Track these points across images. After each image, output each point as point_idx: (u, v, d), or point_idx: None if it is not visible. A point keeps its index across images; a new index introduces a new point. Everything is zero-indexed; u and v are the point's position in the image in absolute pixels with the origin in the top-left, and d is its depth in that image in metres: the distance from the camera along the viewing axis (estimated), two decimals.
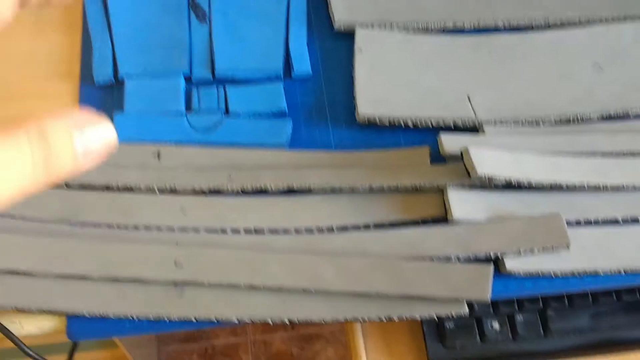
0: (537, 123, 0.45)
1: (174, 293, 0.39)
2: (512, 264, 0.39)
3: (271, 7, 0.50)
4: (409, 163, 0.43)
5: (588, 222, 0.42)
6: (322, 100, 0.48)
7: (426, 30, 0.50)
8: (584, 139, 0.44)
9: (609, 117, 0.46)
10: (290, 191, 0.42)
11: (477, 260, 0.39)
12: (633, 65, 0.48)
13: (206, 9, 0.50)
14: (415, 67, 0.48)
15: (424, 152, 0.44)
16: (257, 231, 0.41)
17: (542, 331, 0.44)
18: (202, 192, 0.42)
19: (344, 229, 0.41)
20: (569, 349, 0.44)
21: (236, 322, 0.38)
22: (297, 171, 0.43)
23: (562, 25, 0.50)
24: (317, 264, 0.39)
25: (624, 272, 0.40)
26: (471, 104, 0.46)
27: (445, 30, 0.50)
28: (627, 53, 0.49)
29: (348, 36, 0.49)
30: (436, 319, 0.41)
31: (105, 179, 0.42)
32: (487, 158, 0.40)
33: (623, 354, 0.45)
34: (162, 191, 0.42)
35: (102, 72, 0.46)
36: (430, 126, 0.45)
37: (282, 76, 0.48)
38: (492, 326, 0.44)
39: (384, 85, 0.47)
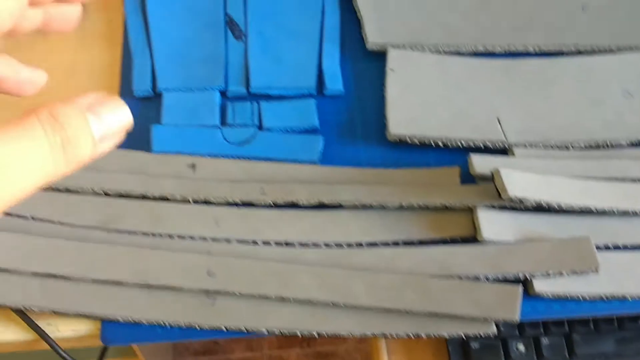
0: (567, 147, 0.46)
1: (206, 302, 0.39)
2: (540, 286, 0.40)
3: (305, 27, 0.52)
4: (440, 182, 0.44)
5: (617, 247, 0.42)
6: (353, 118, 0.49)
7: (457, 53, 0.51)
8: (614, 164, 0.44)
9: (638, 144, 0.46)
10: (321, 206, 0.43)
11: (506, 280, 0.40)
12: None
13: (243, 27, 0.51)
14: (447, 88, 0.49)
15: (455, 171, 0.44)
16: (288, 244, 0.42)
17: (567, 355, 0.44)
18: (235, 204, 0.43)
19: (373, 245, 0.42)
20: None
21: (265, 333, 0.39)
22: (329, 186, 0.43)
23: (592, 51, 0.51)
24: (346, 278, 0.39)
25: None
26: (501, 126, 0.46)
27: (476, 53, 0.51)
28: None
29: (380, 56, 0.51)
30: (463, 338, 0.41)
31: (143, 188, 0.43)
32: (517, 180, 0.40)
33: None
34: (196, 202, 0.43)
35: (141, 85, 0.48)
36: (460, 147, 0.46)
37: (315, 93, 0.49)
38: (517, 348, 0.44)
39: (415, 105, 0.48)
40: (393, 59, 0.49)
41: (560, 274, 0.40)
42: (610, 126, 0.47)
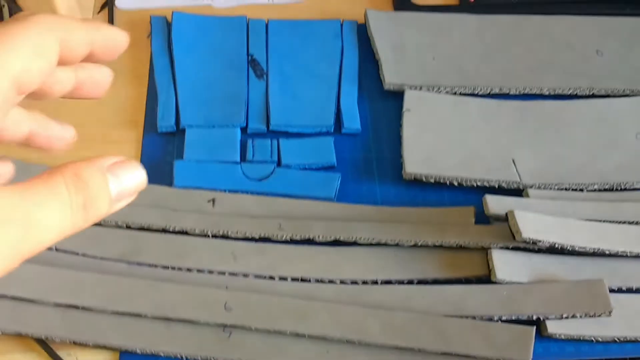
0: (581, 189, 0.46)
1: (222, 335, 0.40)
2: (553, 327, 0.40)
3: (324, 67, 0.53)
4: (454, 221, 0.44)
5: (630, 290, 0.42)
6: (370, 156, 0.50)
7: (473, 94, 0.52)
8: (628, 206, 0.45)
9: None
10: (337, 242, 0.44)
11: (519, 321, 0.40)
12: None
13: (264, 66, 0.53)
14: (462, 129, 0.50)
15: (469, 211, 0.45)
16: (304, 280, 0.42)
17: None
18: (253, 239, 0.44)
19: (388, 282, 0.42)
20: None
21: None
22: (345, 223, 0.44)
23: (606, 95, 0.52)
24: (361, 316, 0.40)
25: None
26: (516, 168, 0.47)
27: (491, 95, 0.52)
28: None
29: (397, 96, 0.52)
30: None
31: (163, 222, 0.44)
32: (532, 221, 0.41)
33: None
34: (215, 236, 0.44)
35: (165, 121, 0.49)
36: (475, 187, 0.47)
37: (332, 131, 0.50)
38: None
39: (430, 144, 0.49)
40: (409, 99, 0.51)
41: (574, 316, 0.40)
42: (624, 168, 0.48)
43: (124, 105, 0.51)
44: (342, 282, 0.42)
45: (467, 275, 0.42)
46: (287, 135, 0.50)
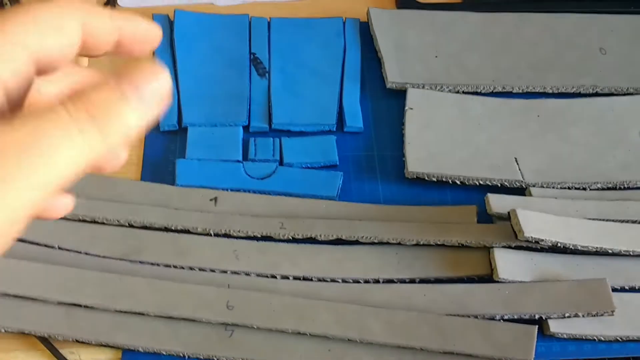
0: (584, 188, 0.46)
1: (224, 334, 0.40)
2: (556, 327, 0.40)
3: (327, 65, 0.53)
4: (456, 220, 0.44)
5: (633, 289, 0.42)
6: (372, 155, 0.50)
7: (476, 93, 0.51)
8: (631, 205, 0.45)
9: None
10: (339, 241, 0.44)
11: (521, 320, 0.40)
12: None
13: (266, 65, 0.53)
14: (465, 127, 0.49)
15: (472, 210, 0.45)
16: (306, 278, 0.43)
17: None
18: (255, 238, 0.44)
19: (390, 281, 0.42)
20: None
21: None
22: (347, 222, 0.44)
23: (610, 93, 0.51)
24: (363, 315, 0.40)
25: None
26: (519, 166, 0.47)
27: (494, 93, 0.52)
28: None
29: (399, 94, 0.52)
30: None
31: (166, 221, 0.44)
32: (534, 220, 0.41)
33: None
34: (217, 235, 0.44)
35: (167, 120, 0.49)
36: (478, 185, 0.47)
37: (335, 130, 0.50)
38: None
39: (433, 143, 0.48)
40: (412, 98, 0.51)
41: (576, 315, 0.40)
42: (627, 167, 0.47)
43: None
44: (344, 280, 0.42)
45: (469, 274, 0.42)
46: (289, 133, 0.50)
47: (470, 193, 0.47)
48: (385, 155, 0.50)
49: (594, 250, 0.41)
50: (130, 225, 0.44)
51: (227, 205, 0.46)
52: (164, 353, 0.40)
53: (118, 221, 0.44)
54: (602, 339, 0.40)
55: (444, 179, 0.47)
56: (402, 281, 0.42)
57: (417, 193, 0.47)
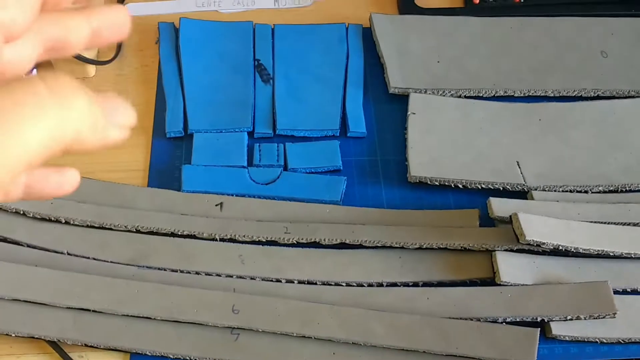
0: (586, 191, 0.47)
1: (229, 338, 0.41)
2: (558, 329, 0.40)
3: (330, 71, 0.54)
4: (459, 224, 0.45)
5: (635, 291, 0.42)
6: (375, 160, 0.50)
7: (478, 97, 0.52)
8: (632, 208, 0.45)
9: None
10: (342, 245, 0.44)
11: (524, 323, 0.40)
12: None
13: (270, 71, 0.53)
14: (467, 132, 0.50)
15: (474, 214, 0.45)
16: (310, 282, 0.43)
17: None
18: (260, 243, 0.45)
19: (393, 285, 0.43)
20: None
21: None
22: (350, 226, 0.45)
23: (611, 96, 0.52)
24: (367, 318, 0.40)
25: None
26: (520, 170, 0.47)
27: (496, 97, 0.52)
28: None
29: (402, 99, 0.52)
30: None
31: (172, 226, 0.45)
32: (536, 224, 0.41)
33: None
34: (223, 240, 0.45)
35: (173, 127, 0.50)
36: (480, 189, 0.47)
37: (338, 135, 0.51)
38: None
39: (435, 147, 0.49)
40: (414, 102, 0.51)
41: (578, 318, 0.40)
42: (629, 170, 0.48)
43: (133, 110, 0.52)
44: (347, 284, 0.43)
45: (472, 277, 0.43)
46: (293, 139, 0.50)
47: (473, 197, 0.47)
48: (388, 159, 0.50)
49: (596, 253, 0.42)
50: (137, 231, 0.45)
51: (232, 211, 0.46)
52: (171, 356, 0.40)
53: (125, 227, 0.45)
54: (604, 341, 0.41)
55: (446, 183, 0.47)
56: (406, 285, 0.43)
57: (419, 197, 0.48)
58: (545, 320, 0.40)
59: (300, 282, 0.43)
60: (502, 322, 0.40)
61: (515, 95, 0.52)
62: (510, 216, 0.42)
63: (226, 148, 0.49)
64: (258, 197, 0.47)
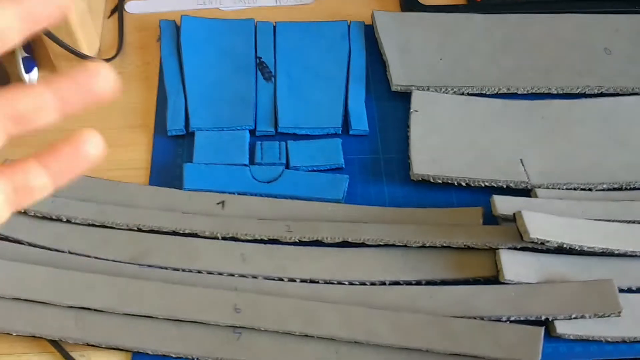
0: (590, 188, 0.46)
1: (232, 337, 0.41)
2: (562, 328, 0.40)
3: (332, 69, 0.54)
4: (462, 222, 0.44)
5: None
6: (377, 157, 0.50)
7: (481, 94, 0.52)
8: (636, 206, 0.45)
9: None
10: (345, 244, 0.44)
11: (528, 322, 0.40)
12: None
13: (272, 69, 0.53)
14: (470, 129, 0.50)
15: (477, 212, 0.45)
16: (313, 281, 0.43)
17: None
18: (262, 241, 0.44)
19: (396, 283, 0.43)
20: None
21: None
22: (353, 225, 0.45)
23: (615, 93, 0.51)
24: (369, 317, 0.40)
25: None
26: (524, 167, 0.47)
27: (499, 95, 0.52)
28: None
29: (404, 96, 0.52)
30: None
31: (173, 224, 0.44)
32: (539, 222, 0.41)
33: None
34: (224, 238, 0.45)
35: (175, 125, 0.50)
36: (483, 187, 0.47)
37: (340, 133, 0.50)
38: None
39: (438, 145, 0.49)
40: (417, 100, 0.51)
41: (583, 316, 0.40)
42: (633, 167, 0.47)
43: (134, 108, 0.52)
44: (350, 283, 0.43)
45: (475, 275, 0.42)
46: (295, 137, 0.50)
47: (476, 195, 0.47)
48: (390, 157, 0.50)
49: (600, 251, 0.41)
50: (139, 229, 0.45)
51: (234, 209, 0.46)
52: (173, 355, 0.40)
53: (127, 225, 0.45)
54: (609, 339, 0.40)
55: (449, 181, 0.47)
56: (408, 283, 0.43)
57: (422, 195, 0.48)
58: (550, 319, 0.40)
59: (302, 280, 0.43)
60: (506, 321, 0.40)
61: (519, 92, 0.52)
62: (514, 214, 0.42)
63: (228, 146, 0.49)
64: (260, 195, 0.47)
